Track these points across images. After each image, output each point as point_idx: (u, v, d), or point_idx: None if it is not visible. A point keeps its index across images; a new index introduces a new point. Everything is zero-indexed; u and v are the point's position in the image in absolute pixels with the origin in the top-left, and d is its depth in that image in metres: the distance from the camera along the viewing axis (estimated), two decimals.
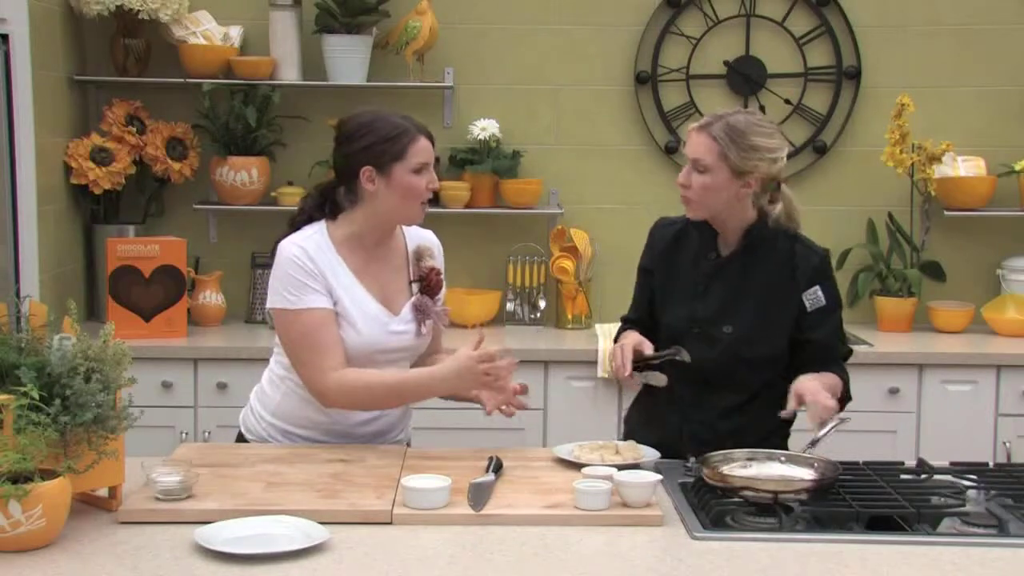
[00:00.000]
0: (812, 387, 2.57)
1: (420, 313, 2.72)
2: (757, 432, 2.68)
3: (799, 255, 2.74)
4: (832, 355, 2.77)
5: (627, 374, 2.64)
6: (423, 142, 2.66)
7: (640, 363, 2.68)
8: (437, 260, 2.80)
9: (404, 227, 2.79)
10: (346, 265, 2.66)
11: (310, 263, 2.61)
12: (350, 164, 2.65)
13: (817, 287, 2.73)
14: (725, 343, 2.70)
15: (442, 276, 2.78)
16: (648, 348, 2.68)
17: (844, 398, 2.74)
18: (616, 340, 2.85)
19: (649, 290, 2.86)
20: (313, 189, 2.78)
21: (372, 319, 2.66)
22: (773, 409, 2.65)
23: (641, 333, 2.78)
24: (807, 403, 2.55)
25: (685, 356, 2.67)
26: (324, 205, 2.72)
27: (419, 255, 2.77)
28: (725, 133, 2.63)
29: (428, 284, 2.74)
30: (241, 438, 2.81)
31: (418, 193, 2.66)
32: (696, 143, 2.67)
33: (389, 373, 2.64)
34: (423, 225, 2.83)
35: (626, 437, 2.83)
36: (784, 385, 2.64)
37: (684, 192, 2.71)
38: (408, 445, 2.83)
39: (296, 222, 2.73)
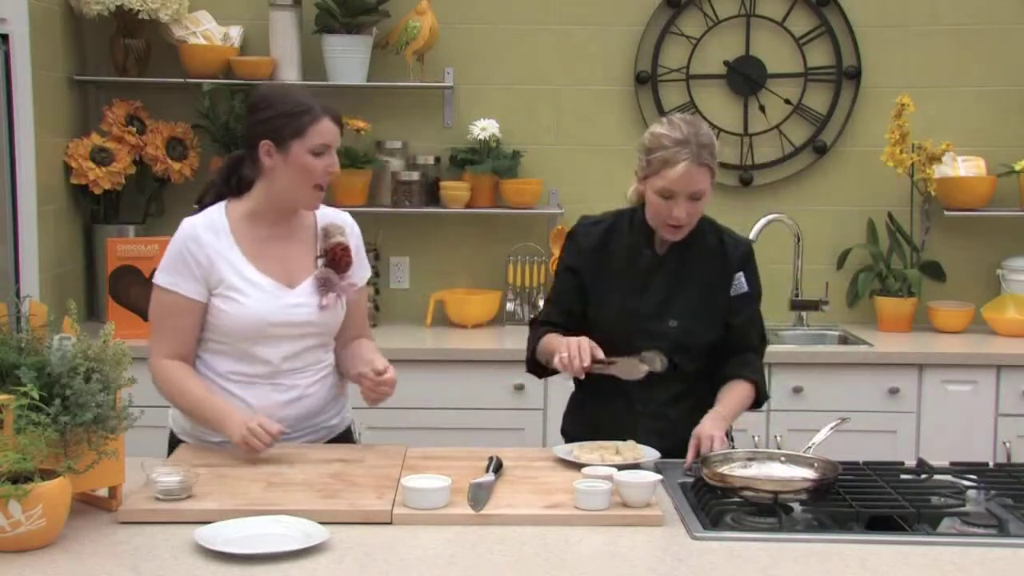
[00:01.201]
0: (708, 434, 2.60)
1: (323, 287, 2.69)
2: (703, 413, 2.71)
3: (728, 244, 2.84)
4: (747, 342, 2.84)
5: (586, 365, 2.61)
6: (326, 123, 2.61)
7: (598, 363, 2.65)
8: (349, 239, 2.76)
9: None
10: (239, 244, 2.66)
11: (194, 247, 2.63)
12: (251, 135, 2.65)
13: (741, 273, 2.83)
14: (671, 337, 2.76)
15: (351, 253, 2.74)
16: (598, 351, 2.65)
17: (759, 399, 2.83)
18: (535, 342, 2.85)
19: (577, 290, 2.84)
20: (224, 160, 2.79)
21: (264, 293, 2.64)
22: (712, 389, 2.77)
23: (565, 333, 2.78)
24: (701, 451, 2.58)
25: (658, 364, 2.65)
26: (231, 178, 2.72)
27: (327, 233, 2.74)
28: (709, 154, 2.66)
29: (334, 259, 2.72)
30: (172, 437, 2.79)
31: (314, 174, 2.62)
32: (695, 177, 2.64)
33: (199, 386, 2.62)
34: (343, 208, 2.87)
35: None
36: (712, 366, 2.79)
37: (682, 222, 2.69)
38: (351, 431, 2.87)
39: (203, 200, 2.76)
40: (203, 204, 2.74)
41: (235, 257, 2.64)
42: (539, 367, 2.90)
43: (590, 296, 2.83)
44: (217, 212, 2.69)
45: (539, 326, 2.90)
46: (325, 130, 2.61)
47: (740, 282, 2.82)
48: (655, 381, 2.73)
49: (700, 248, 2.80)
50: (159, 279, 2.65)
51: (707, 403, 2.79)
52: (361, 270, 2.81)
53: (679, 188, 2.65)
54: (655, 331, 2.76)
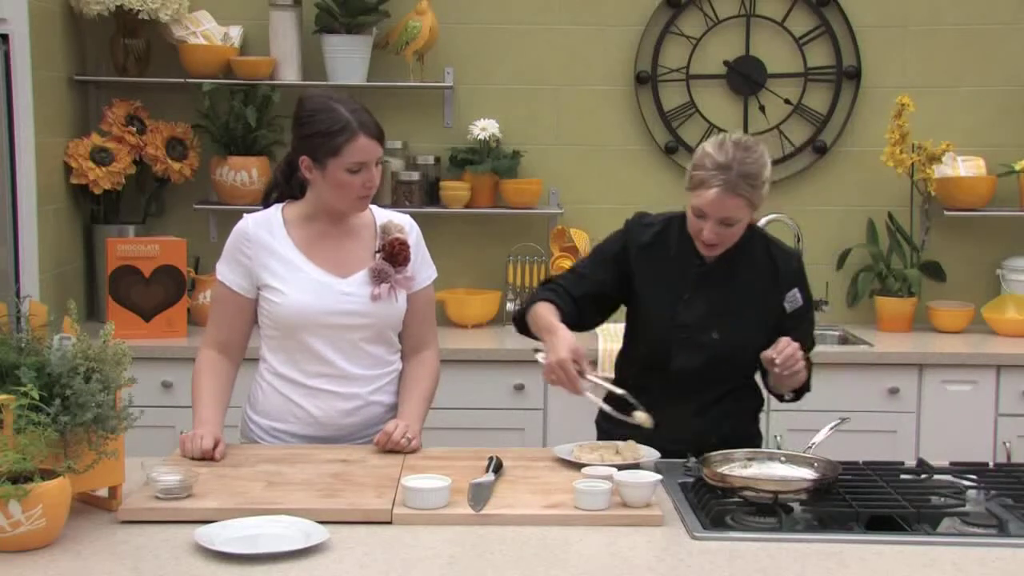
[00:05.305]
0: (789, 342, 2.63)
1: (376, 277, 2.71)
2: (731, 424, 2.74)
3: (778, 259, 2.79)
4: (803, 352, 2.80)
5: (576, 391, 2.57)
6: (362, 141, 2.62)
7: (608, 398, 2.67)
8: (408, 237, 2.78)
9: (372, 208, 2.80)
10: (293, 241, 2.71)
11: (244, 243, 2.71)
12: (293, 147, 2.71)
13: (796, 289, 2.79)
14: (713, 348, 2.72)
15: (409, 248, 2.75)
16: (581, 355, 2.57)
17: (804, 388, 2.81)
18: (535, 301, 2.77)
19: (614, 281, 2.79)
20: (282, 160, 2.83)
21: (316, 283, 2.68)
22: (744, 402, 2.77)
23: (566, 309, 2.73)
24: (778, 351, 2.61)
25: (646, 423, 2.58)
26: (291, 178, 2.77)
27: (386, 230, 2.77)
28: (748, 185, 2.60)
29: (391, 252, 2.73)
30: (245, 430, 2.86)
31: (351, 190, 2.65)
32: (726, 205, 2.60)
33: (204, 387, 2.70)
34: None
35: (600, 439, 2.83)
36: (753, 380, 2.74)
37: (712, 242, 2.67)
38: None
39: (268, 199, 2.82)
40: (268, 203, 2.80)
41: (287, 250, 2.70)
42: (525, 326, 2.82)
43: (636, 298, 2.80)
44: (274, 211, 2.76)
45: (549, 290, 2.81)
46: (360, 148, 2.62)
47: (796, 298, 2.78)
48: (689, 392, 2.73)
49: (749, 260, 2.76)
50: (216, 268, 2.77)
51: (737, 416, 2.81)
52: (424, 270, 2.83)
53: (709, 212, 2.62)
54: (697, 342, 2.73)
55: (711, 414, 2.76)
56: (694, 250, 2.75)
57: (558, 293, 2.79)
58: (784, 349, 2.60)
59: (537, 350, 2.73)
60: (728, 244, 2.70)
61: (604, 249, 2.86)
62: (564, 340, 2.59)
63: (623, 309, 2.89)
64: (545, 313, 2.71)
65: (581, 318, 2.79)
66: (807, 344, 2.82)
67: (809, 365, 2.80)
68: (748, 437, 2.85)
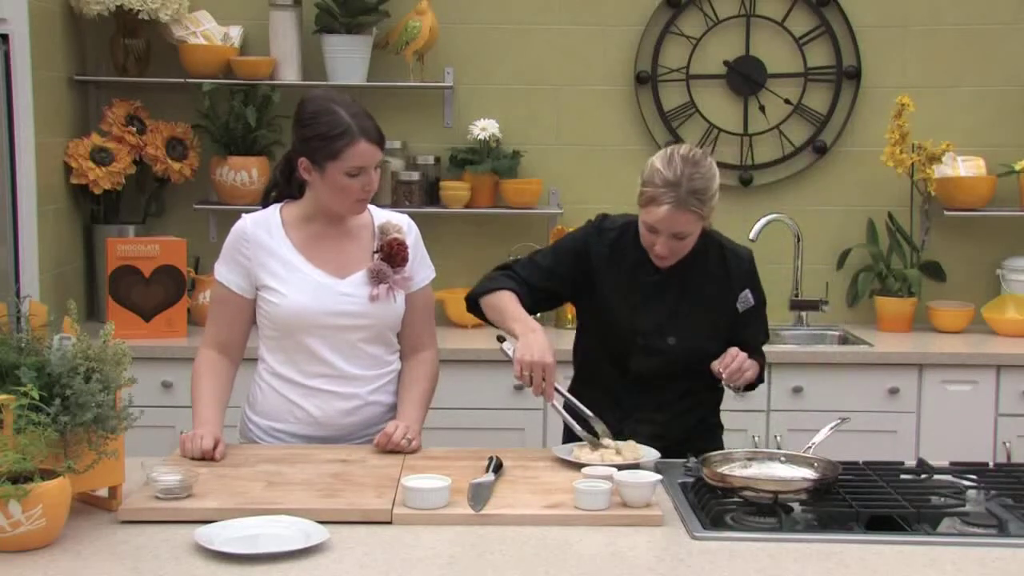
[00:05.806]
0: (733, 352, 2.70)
1: (375, 278, 2.71)
2: (692, 419, 2.84)
3: (731, 262, 2.83)
4: (754, 346, 2.86)
5: (551, 400, 2.63)
6: (362, 146, 2.62)
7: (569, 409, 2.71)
8: (406, 237, 2.78)
9: (371, 209, 2.80)
10: (291, 241, 2.71)
11: (242, 243, 2.71)
12: (293, 148, 2.72)
13: (747, 290, 2.83)
14: (670, 353, 2.77)
15: (407, 249, 2.75)
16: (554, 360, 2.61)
17: (756, 381, 2.85)
18: (493, 287, 2.80)
19: (571, 279, 2.82)
20: (281, 159, 2.83)
21: (314, 284, 2.68)
22: (705, 396, 2.86)
23: (525, 300, 2.77)
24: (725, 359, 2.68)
25: (605, 439, 2.64)
26: (291, 177, 2.76)
27: (384, 230, 2.77)
28: (698, 200, 2.62)
29: (389, 253, 2.73)
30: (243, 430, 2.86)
31: (349, 193, 2.66)
32: (677, 221, 2.63)
33: (204, 388, 2.69)
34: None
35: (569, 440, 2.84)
36: (710, 374, 2.75)
37: (664, 256, 2.70)
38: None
39: (267, 198, 2.82)
40: (267, 202, 2.80)
41: (285, 251, 2.70)
42: (478, 307, 2.85)
43: (595, 299, 2.83)
44: (272, 211, 2.76)
45: (510, 278, 2.84)
46: (360, 153, 2.62)
47: (747, 299, 2.83)
48: (650, 392, 2.79)
49: (703, 266, 2.79)
50: (215, 268, 2.76)
51: (705, 406, 2.88)
52: (423, 270, 2.83)
53: (660, 228, 2.66)
54: (653, 347, 2.78)
55: (672, 410, 2.80)
56: (648, 258, 2.77)
57: (518, 282, 2.82)
58: (730, 364, 2.66)
59: (501, 338, 2.77)
60: (681, 255, 2.73)
61: (566, 246, 2.88)
62: (545, 342, 2.62)
63: None
64: (514, 305, 2.75)
65: (535, 308, 2.84)
66: (760, 339, 2.89)
67: (761, 361, 2.85)
68: (710, 429, 2.92)
